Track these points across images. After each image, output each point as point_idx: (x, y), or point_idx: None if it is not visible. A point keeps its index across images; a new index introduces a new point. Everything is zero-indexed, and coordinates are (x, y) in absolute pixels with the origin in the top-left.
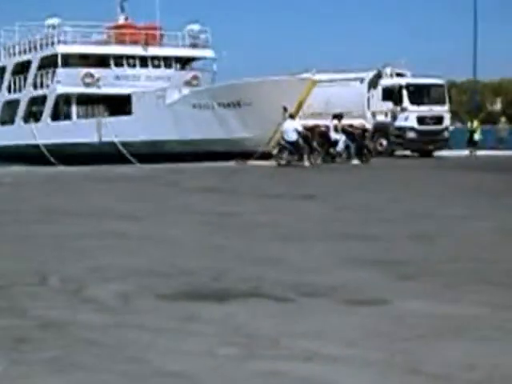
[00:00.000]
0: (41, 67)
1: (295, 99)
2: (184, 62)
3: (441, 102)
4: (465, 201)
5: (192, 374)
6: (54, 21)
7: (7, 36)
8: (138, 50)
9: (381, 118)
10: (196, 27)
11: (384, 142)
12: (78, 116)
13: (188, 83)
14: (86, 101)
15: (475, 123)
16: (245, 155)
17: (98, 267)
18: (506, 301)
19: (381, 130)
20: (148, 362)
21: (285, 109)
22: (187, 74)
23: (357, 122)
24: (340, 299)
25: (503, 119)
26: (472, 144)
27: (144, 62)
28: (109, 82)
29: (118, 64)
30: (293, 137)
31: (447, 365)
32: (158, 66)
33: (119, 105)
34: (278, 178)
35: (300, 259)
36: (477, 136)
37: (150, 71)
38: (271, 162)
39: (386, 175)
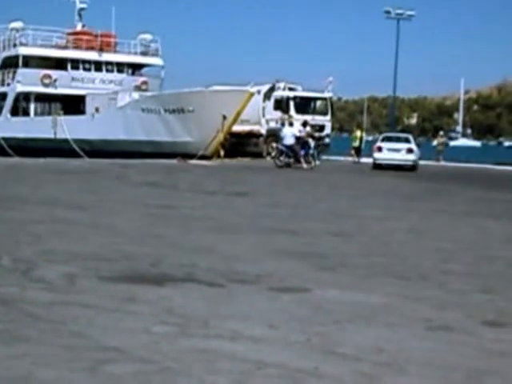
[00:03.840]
0: (3, 67)
1: (234, 109)
2: (135, 68)
3: (323, 112)
4: (380, 203)
5: (128, 349)
6: (18, 24)
7: None
8: (93, 55)
9: (273, 124)
10: (148, 36)
11: (275, 146)
12: (36, 113)
13: (138, 88)
14: (43, 99)
15: (358, 132)
16: (186, 155)
17: (48, 250)
18: (413, 292)
19: (272, 134)
20: (88, 337)
21: (224, 117)
22: (137, 80)
23: (254, 128)
24: (266, 286)
25: (441, 133)
26: (356, 150)
27: (98, 66)
28: (65, 83)
29: (75, 67)
30: (290, 141)
31: (358, 347)
32: (112, 71)
33: (74, 105)
34: (215, 176)
35: (231, 249)
36: (357, 143)
37: (104, 75)
38: (210, 162)
39: (313, 177)
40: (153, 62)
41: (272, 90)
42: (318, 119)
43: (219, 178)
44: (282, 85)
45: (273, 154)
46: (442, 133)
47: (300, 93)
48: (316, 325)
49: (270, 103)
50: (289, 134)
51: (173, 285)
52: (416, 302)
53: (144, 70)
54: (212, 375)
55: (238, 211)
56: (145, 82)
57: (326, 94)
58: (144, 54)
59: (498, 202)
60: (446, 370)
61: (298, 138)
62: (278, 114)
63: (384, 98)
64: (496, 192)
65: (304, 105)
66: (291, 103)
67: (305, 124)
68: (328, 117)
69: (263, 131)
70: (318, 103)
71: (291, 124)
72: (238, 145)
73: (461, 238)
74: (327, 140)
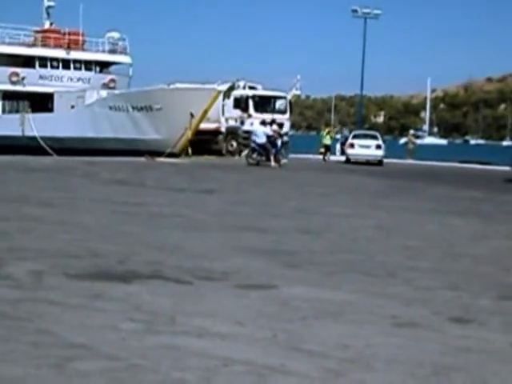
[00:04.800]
0: None
1: (202, 107)
2: (103, 66)
3: (282, 111)
4: (348, 200)
5: (95, 345)
6: None
7: None
8: (61, 53)
9: (232, 123)
10: (115, 35)
11: (234, 144)
12: (4, 111)
13: (105, 85)
14: (11, 97)
15: (326, 130)
16: (154, 153)
17: (16, 247)
18: (380, 289)
19: (232, 132)
20: (55, 334)
21: (192, 115)
22: (105, 78)
23: (213, 126)
24: (232, 283)
25: (411, 131)
26: (325, 148)
27: (66, 64)
28: (33, 81)
29: (43, 65)
30: (262, 140)
31: (325, 344)
32: (79, 69)
33: (42, 102)
34: (183, 173)
35: (198, 247)
36: (328, 141)
37: (72, 73)
38: (177, 160)
39: (281, 175)
40: (121, 60)
41: (232, 88)
42: (277, 117)
43: (187, 175)
44: (242, 83)
45: (245, 151)
46: (412, 131)
47: (259, 92)
48: (283, 321)
49: (230, 102)
50: (261, 133)
51: (140, 282)
52: (383, 298)
53: (112, 67)
54: (179, 372)
55: (206, 208)
56: (113, 80)
57: (283, 94)
58: (112, 52)
59: (463, 200)
60: (412, 366)
61: (269, 137)
62: (238, 112)
63: (351, 97)
64: (461, 190)
65: (263, 104)
66: (250, 102)
67: (272, 122)
68: (287, 115)
69: (223, 129)
70: (278, 102)
71: (263, 123)
72: (200, 142)
73: (427, 235)
74: (286, 138)
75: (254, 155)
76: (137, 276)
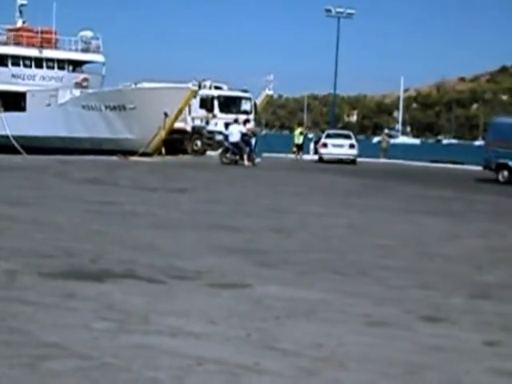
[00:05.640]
0: None
1: (176, 106)
2: (76, 65)
3: (247, 111)
4: (321, 199)
5: (68, 345)
6: None
7: None
8: (33, 52)
9: (198, 122)
10: (89, 33)
11: (199, 143)
12: None
13: (79, 84)
14: None
15: (298, 130)
16: (128, 152)
17: None
18: (351, 288)
19: (197, 132)
20: (28, 333)
21: (166, 114)
22: (78, 76)
23: (179, 125)
24: (206, 282)
25: (386, 131)
26: (298, 147)
27: (39, 62)
28: (5, 79)
29: (15, 64)
30: (236, 138)
31: (298, 343)
32: (52, 68)
33: (14, 101)
34: (156, 172)
35: (171, 246)
36: (300, 141)
37: (45, 72)
38: (151, 159)
39: (254, 174)
40: (94, 59)
41: (199, 88)
42: (241, 118)
43: (160, 174)
44: (208, 83)
45: (219, 150)
46: (386, 131)
47: (224, 92)
48: (256, 320)
49: (196, 101)
50: (235, 132)
51: (113, 281)
52: (355, 297)
53: (85, 66)
54: (152, 371)
55: (179, 207)
56: (86, 79)
57: (248, 94)
58: (85, 50)
59: (435, 199)
60: (384, 364)
61: (243, 136)
62: (203, 112)
63: (324, 96)
64: (433, 189)
65: (228, 104)
66: (215, 102)
67: (246, 122)
68: (251, 116)
69: (189, 128)
70: (242, 102)
71: (236, 121)
72: (172, 142)
73: (399, 234)
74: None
75: (228, 154)
76: (110, 275)
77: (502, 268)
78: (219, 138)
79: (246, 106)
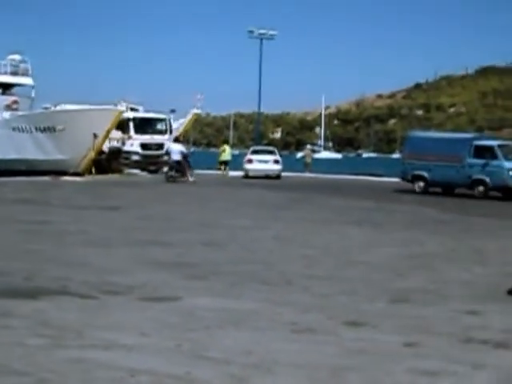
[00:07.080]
0: None
1: (104, 127)
2: (5, 88)
3: (162, 132)
4: (249, 213)
5: (3, 362)
6: None
7: None
8: None
9: (114, 143)
10: (17, 57)
11: (115, 163)
12: None
13: (8, 107)
14: None
15: (224, 146)
16: (59, 172)
17: None
18: (279, 297)
19: (114, 152)
20: None
21: (95, 135)
22: (8, 99)
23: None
24: (138, 296)
25: (309, 146)
26: (223, 164)
27: None
28: None
29: None
30: (177, 157)
31: (228, 351)
32: None
33: None
34: (87, 191)
35: (104, 262)
36: (228, 157)
37: None
38: (82, 178)
39: (184, 190)
40: (23, 82)
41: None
42: (157, 138)
43: (92, 193)
44: (124, 105)
45: (164, 169)
46: (309, 146)
47: (140, 114)
48: (187, 331)
49: None
50: (176, 150)
51: (47, 298)
52: (282, 306)
53: (14, 89)
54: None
55: (111, 225)
56: (15, 102)
57: (163, 116)
58: (14, 73)
59: (357, 210)
60: (310, 369)
61: (184, 154)
62: (119, 133)
63: (250, 114)
64: (355, 200)
65: (143, 125)
66: (131, 124)
67: (176, 140)
68: (167, 136)
69: (106, 149)
70: (157, 124)
71: (176, 140)
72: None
73: (324, 244)
74: (165, 157)
75: (172, 172)
76: (44, 292)
77: (420, 274)
78: (135, 158)
79: (161, 126)
